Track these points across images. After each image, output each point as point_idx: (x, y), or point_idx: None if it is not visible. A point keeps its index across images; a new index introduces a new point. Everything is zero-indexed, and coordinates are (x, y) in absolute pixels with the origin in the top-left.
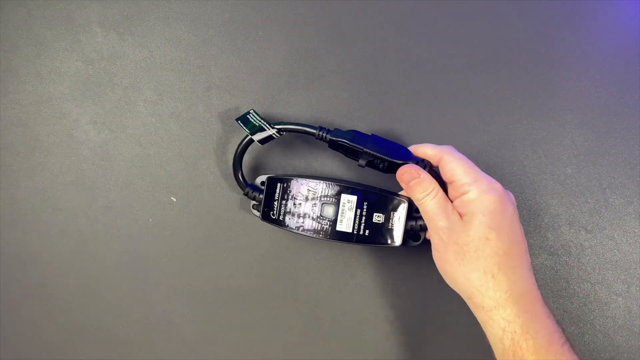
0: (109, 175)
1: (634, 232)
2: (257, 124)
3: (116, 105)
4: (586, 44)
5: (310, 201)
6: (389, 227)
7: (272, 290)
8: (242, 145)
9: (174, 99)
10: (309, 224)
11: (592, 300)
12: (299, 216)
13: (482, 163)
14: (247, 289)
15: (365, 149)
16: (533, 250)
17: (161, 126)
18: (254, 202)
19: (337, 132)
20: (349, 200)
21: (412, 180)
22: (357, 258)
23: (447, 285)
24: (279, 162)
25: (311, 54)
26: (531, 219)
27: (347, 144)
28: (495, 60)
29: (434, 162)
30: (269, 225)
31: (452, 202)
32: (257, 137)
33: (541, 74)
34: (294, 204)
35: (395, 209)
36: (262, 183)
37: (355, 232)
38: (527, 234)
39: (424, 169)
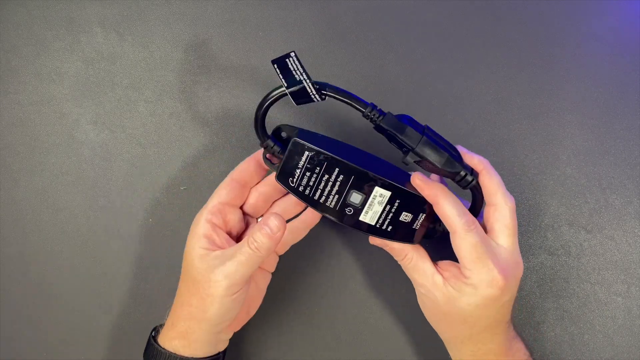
0: (109, 175)
1: (634, 232)
2: (297, 78)
3: (116, 105)
4: (586, 44)
5: (338, 183)
6: (414, 227)
7: (272, 289)
8: (272, 98)
9: (174, 99)
10: (329, 203)
11: (592, 300)
12: (320, 193)
13: None
14: None
15: (415, 150)
16: (533, 250)
17: (161, 126)
18: (268, 154)
19: (390, 119)
20: (381, 195)
21: (384, 246)
22: (357, 258)
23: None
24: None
25: (311, 54)
26: (531, 219)
27: (397, 136)
28: (495, 60)
29: (451, 229)
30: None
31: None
32: (294, 94)
33: (541, 74)
34: (319, 179)
35: (424, 211)
36: (283, 135)
37: (378, 226)
38: (527, 234)
39: (471, 182)
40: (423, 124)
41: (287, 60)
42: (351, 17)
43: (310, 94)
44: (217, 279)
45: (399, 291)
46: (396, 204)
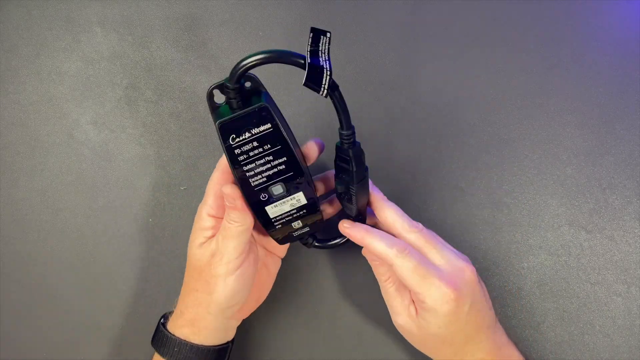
0: (109, 175)
1: (634, 232)
2: (321, 62)
3: (116, 105)
4: (586, 43)
5: (275, 170)
6: (294, 235)
7: (273, 289)
8: (285, 59)
9: (174, 99)
10: (252, 180)
11: (592, 301)
12: (252, 167)
13: (482, 163)
14: None
15: (353, 187)
16: (533, 250)
17: (161, 126)
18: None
19: (358, 150)
20: (298, 200)
21: (371, 261)
22: (357, 258)
23: None
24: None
25: None
26: (531, 219)
27: (350, 168)
28: (495, 60)
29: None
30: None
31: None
32: (310, 73)
33: (541, 74)
34: (261, 155)
35: (315, 228)
36: (247, 85)
37: (272, 220)
38: (527, 234)
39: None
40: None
41: (322, 36)
42: (351, 17)
43: (323, 83)
44: (216, 260)
45: None
46: (300, 213)
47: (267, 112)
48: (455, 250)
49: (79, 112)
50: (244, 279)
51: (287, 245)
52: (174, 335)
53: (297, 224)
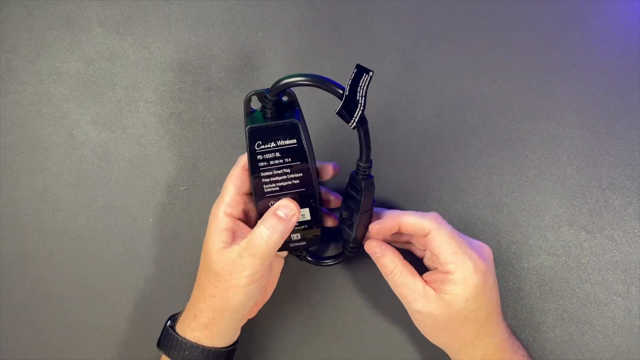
0: (109, 175)
1: (634, 232)
2: (357, 97)
3: (116, 105)
4: (586, 44)
5: (289, 182)
6: (290, 246)
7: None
8: (325, 86)
9: (174, 99)
10: (266, 186)
11: (591, 301)
12: (269, 175)
13: (482, 163)
14: None
15: (354, 215)
16: (533, 250)
17: (161, 126)
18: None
19: (370, 184)
20: (303, 215)
21: (374, 255)
22: (358, 258)
23: None
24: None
25: (311, 54)
26: (531, 219)
27: (359, 198)
28: (496, 60)
29: (420, 234)
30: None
31: (429, 269)
32: (345, 104)
33: (541, 74)
34: (281, 166)
35: (311, 243)
36: (284, 99)
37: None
38: (527, 234)
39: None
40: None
41: (364, 73)
42: (351, 17)
43: (354, 116)
44: (239, 271)
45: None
46: (302, 227)
47: (296, 129)
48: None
49: (79, 112)
50: (261, 286)
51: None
52: (184, 338)
53: (295, 236)
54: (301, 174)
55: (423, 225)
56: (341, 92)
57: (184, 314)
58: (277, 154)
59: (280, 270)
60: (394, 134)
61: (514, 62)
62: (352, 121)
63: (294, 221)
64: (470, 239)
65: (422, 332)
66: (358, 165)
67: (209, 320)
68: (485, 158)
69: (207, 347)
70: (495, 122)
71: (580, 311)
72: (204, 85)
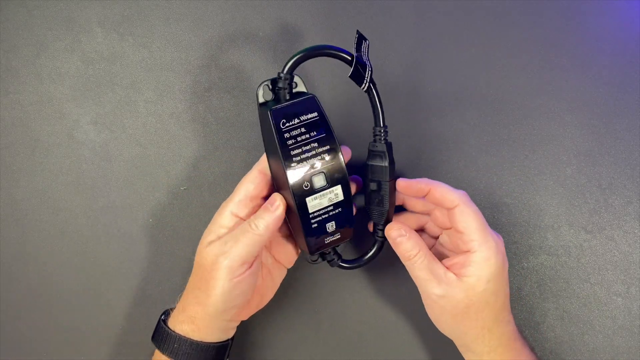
0: (109, 175)
1: (634, 232)
2: (364, 59)
3: (116, 105)
4: (586, 44)
5: (318, 157)
6: (325, 242)
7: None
8: (333, 53)
9: (174, 99)
10: (297, 167)
11: (592, 301)
12: (299, 153)
13: (482, 163)
14: None
15: (382, 183)
16: (533, 250)
17: (161, 126)
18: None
19: (390, 146)
20: (336, 195)
21: (397, 237)
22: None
23: None
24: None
25: None
26: (531, 219)
27: (382, 166)
28: (495, 60)
29: (447, 206)
30: None
31: (449, 250)
32: (356, 68)
33: (541, 75)
34: (308, 141)
35: (344, 236)
36: (294, 86)
37: (310, 216)
38: (527, 234)
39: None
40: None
41: (363, 40)
42: (351, 17)
43: (365, 78)
44: (219, 261)
45: (400, 291)
46: (336, 211)
47: (315, 102)
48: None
49: (79, 112)
50: (243, 287)
51: (294, 256)
52: (174, 331)
53: (330, 226)
54: (328, 146)
55: (453, 197)
56: (349, 58)
57: (176, 306)
58: (303, 129)
59: (280, 281)
60: (394, 134)
61: (514, 62)
62: (365, 82)
63: (278, 214)
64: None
65: (435, 322)
66: (375, 130)
67: (194, 314)
68: (485, 158)
69: (195, 340)
70: (495, 122)
71: (580, 311)
72: (204, 85)
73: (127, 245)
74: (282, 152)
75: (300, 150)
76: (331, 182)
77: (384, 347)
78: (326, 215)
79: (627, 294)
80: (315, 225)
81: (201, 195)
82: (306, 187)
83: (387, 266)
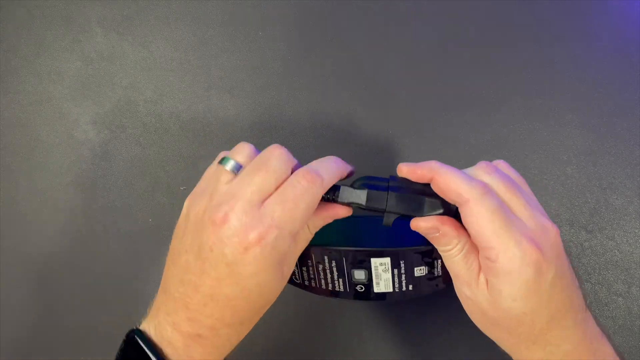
0: (109, 175)
1: (634, 232)
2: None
3: (116, 105)
4: (586, 43)
5: (334, 269)
6: (436, 275)
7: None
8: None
9: (174, 99)
10: (337, 287)
11: (592, 301)
12: (325, 280)
13: None
14: None
15: (387, 210)
16: None
17: (161, 126)
18: None
19: (347, 193)
20: (381, 263)
21: (430, 233)
22: None
23: (452, 289)
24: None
25: (311, 54)
26: None
27: (362, 207)
28: (495, 60)
29: (455, 201)
30: None
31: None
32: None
33: (541, 74)
34: (316, 270)
35: (436, 258)
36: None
37: (397, 290)
38: None
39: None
40: (386, 177)
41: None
42: (351, 17)
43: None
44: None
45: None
46: (402, 265)
47: (317, 250)
48: (540, 205)
49: (79, 112)
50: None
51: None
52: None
53: (420, 270)
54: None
55: (461, 190)
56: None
57: None
58: (305, 268)
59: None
60: (394, 134)
61: (513, 62)
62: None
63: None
64: (539, 212)
65: (469, 315)
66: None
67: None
68: (485, 158)
69: None
70: (495, 122)
71: None
72: (203, 85)
73: (127, 245)
74: (316, 293)
75: (321, 280)
76: (365, 264)
77: (384, 346)
78: (404, 274)
79: (628, 294)
80: (412, 285)
81: None
82: (361, 289)
83: None
